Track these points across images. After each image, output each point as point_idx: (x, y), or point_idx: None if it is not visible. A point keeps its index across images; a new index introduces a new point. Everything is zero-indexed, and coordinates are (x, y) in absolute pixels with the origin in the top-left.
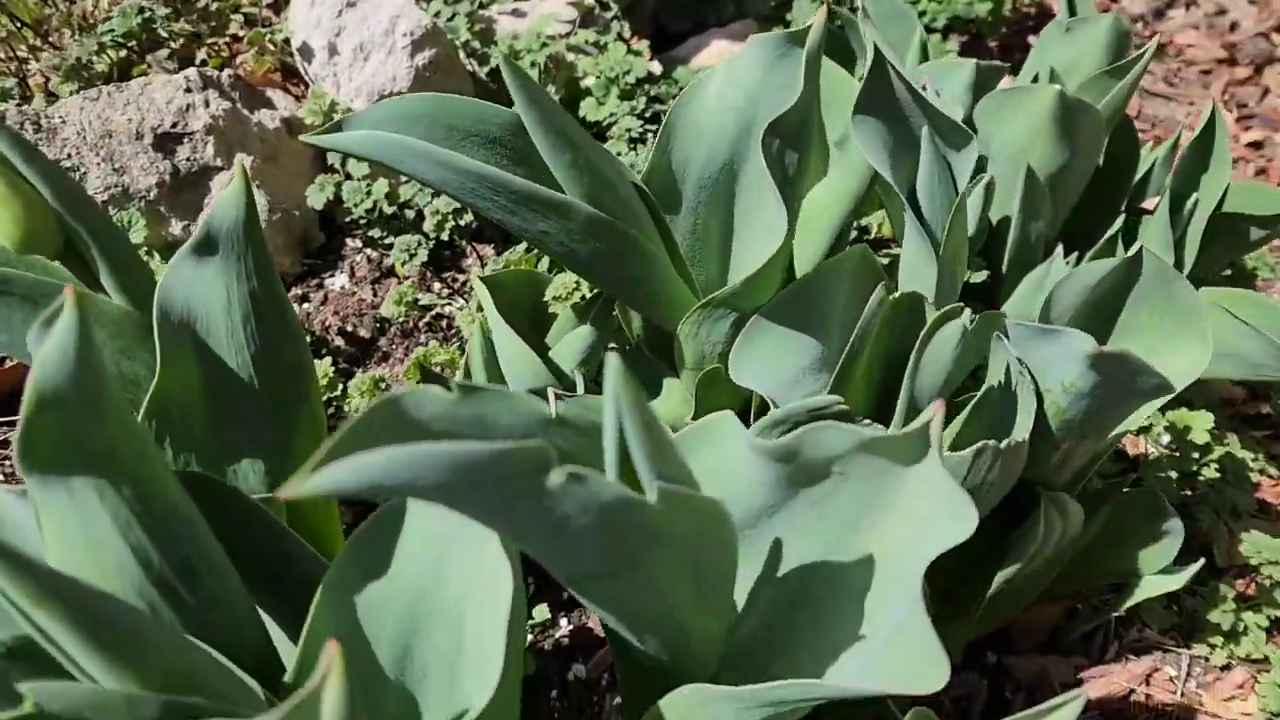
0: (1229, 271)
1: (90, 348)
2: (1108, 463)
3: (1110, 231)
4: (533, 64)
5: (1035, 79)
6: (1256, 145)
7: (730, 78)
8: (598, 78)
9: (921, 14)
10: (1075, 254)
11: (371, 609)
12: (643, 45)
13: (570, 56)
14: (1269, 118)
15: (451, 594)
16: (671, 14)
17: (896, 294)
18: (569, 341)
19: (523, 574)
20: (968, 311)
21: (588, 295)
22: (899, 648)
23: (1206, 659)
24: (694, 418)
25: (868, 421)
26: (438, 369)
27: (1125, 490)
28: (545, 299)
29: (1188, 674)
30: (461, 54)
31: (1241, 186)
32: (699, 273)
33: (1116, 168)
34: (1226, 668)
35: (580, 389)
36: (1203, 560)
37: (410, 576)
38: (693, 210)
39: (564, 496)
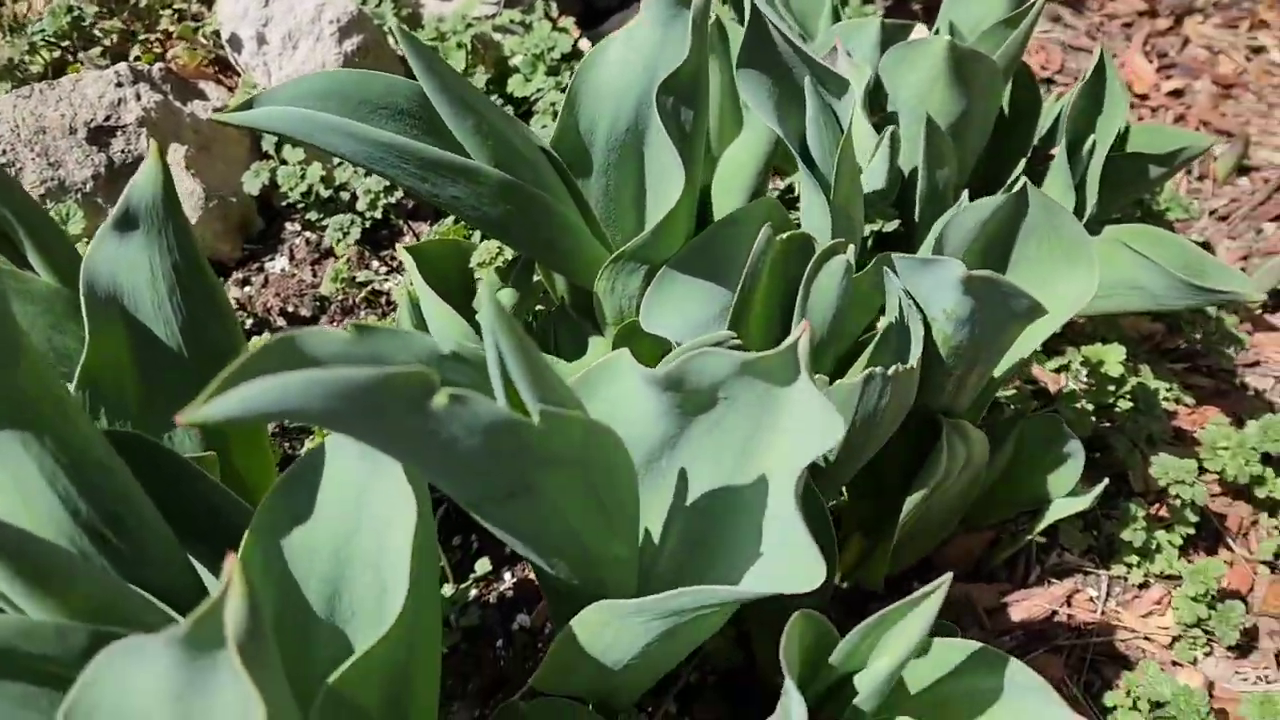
0: (1139, 213)
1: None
2: (1027, 399)
3: (1013, 176)
4: (459, 45)
5: (935, 31)
6: (1177, 94)
7: (629, 41)
8: (524, 56)
9: None
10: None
11: (298, 552)
12: (568, 23)
13: (497, 37)
14: (1189, 67)
15: (372, 533)
16: None
17: (785, 235)
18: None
19: (458, 525)
20: (852, 248)
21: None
22: (781, 552)
23: (1125, 578)
24: None
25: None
26: None
27: (1029, 417)
28: (471, 266)
29: (1107, 593)
30: (391, 39)
31: (1142, 128)
32: (615, 233)
33: (1020, 116)
34: (1144, 585)
35: None
36: (1107, 480)
37: (333, 519)
38: (604, 172)
39: (449, 419)
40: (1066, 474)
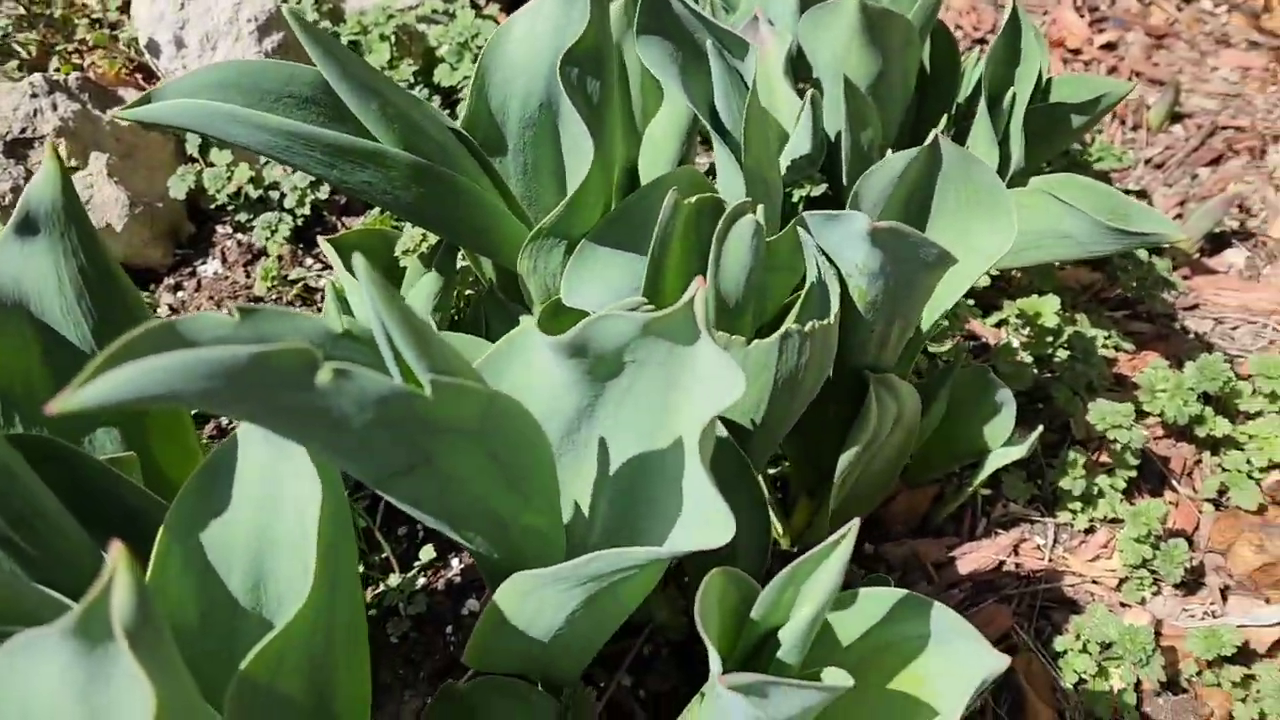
0: (1069, 165)
1: None
2: (965, 353)
3: (934, 133)
4: (382, 37)
5: None
6: (1110, 46)
7: (535, 16)
8: (450, 44)
9: None
10: None
11: (218, 545)
12: (493, 9)
13: (421, 27)
14: (1121, 19)
15: (290, 519)
16: None
17: (693, 198)
18: (417, 291)
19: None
20: (761, 207)
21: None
22: (693, 512)
23: (1070, 525)
24: None
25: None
26: None
27: (960, 369)
28: (396, 254)
29: (1054, 540)
30: None
31: (1064, 79)
32: (537, 211)
33: (941, 74)
34: (1090, 530)
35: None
36: (1042, 428)
37: (250, 509)
38: (520, 150)
39: (338, 395)
40: (1001, 424)
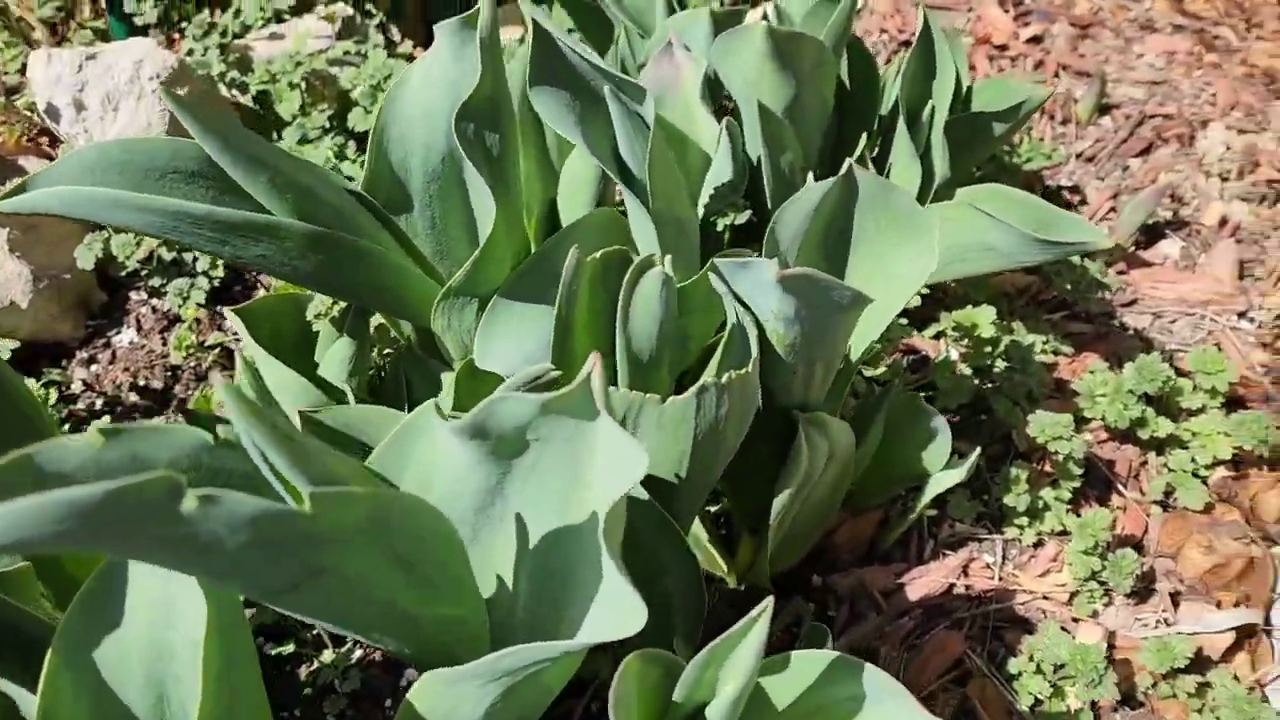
0: (996, 170)
1: None
2: (902, 372)
3: (857, 152)
4: (291, 85)
5: (764, 16)
6: (1036, 40)
7: (428, 70)
8: (363, 87)
9: None
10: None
11: (112, 662)
12: (406, 47)
13: (334, 70)
14: (1046, 11)
15: (187, 632)
16: (437, 10)
17: (598, 254)
18: (330, 358)
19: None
20: (669, 258)
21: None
22: (605, 598)
23: (1019, 540)
24: (455, 408)
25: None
26: (220, 407)
27: (892, 396)
28: (309, 318)
29: (1003, 558)
30: (222, 86)
31: (985, 84)
32: (449, 265)
33: (860, 89)
34: (1039, 544)
35: (351, 400)
36: (980, 450)
37: (144, 624)
38: (427, 205)
39: (206, 521)
40: (938, 449)
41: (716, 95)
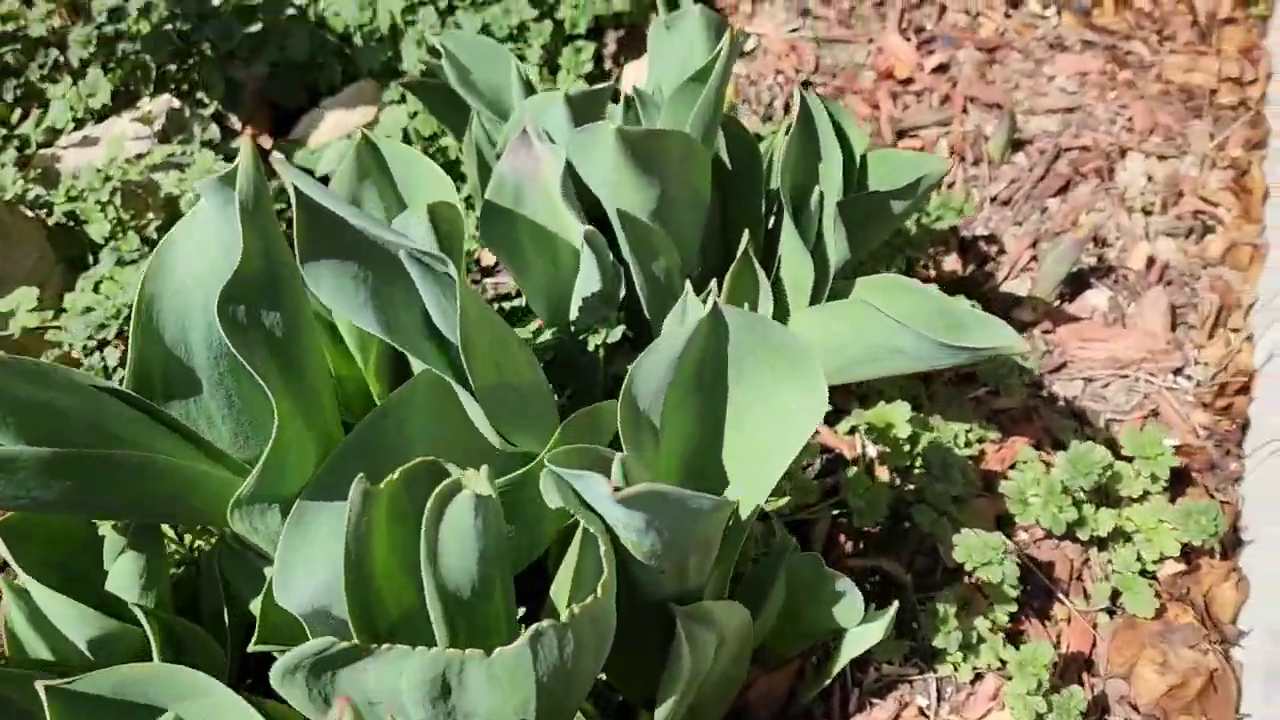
0: (901, 241)
1: None
2: (816, 486)
3: (711, 299)
4: (98, 204)
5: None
6: (942, 69)
7: (192, 240)
8: (191, 193)
9: (560, 21)
10: (714, 280)
11: None
12: (244, 139)
13: (157, 176)
14: (949, 37)
15: None
16: (280, 91)
17: (396, 474)
18: (117, 572)
19: None
20: (484, 470)
21: None
22: None
23: (954, 676)
24: (260, 642)
25: (387, 647)
26: None
27: (789, 557)
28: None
29: (939, 698)
30: (24, 206)
31: (879, 156)
32: (256, 447)
33: (742, 167)
34: (978, 678)
35: (143, 620)
36: (896, 604)
37: None
38: (218, 384)
39: None
40: (848, 607)
41: (579, 190)
